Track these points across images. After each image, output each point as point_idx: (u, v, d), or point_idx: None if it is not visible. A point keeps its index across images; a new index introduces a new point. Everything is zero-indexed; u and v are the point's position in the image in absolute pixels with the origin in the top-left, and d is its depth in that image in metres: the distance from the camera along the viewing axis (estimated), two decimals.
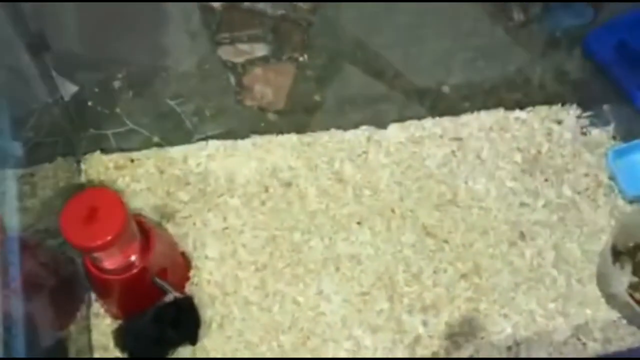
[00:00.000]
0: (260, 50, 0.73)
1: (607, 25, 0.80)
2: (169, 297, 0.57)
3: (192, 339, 0.60)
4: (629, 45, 0.79)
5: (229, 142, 0.71)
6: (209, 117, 0.71)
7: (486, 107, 0.76)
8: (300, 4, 0.71)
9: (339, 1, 0.69)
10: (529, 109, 0.76)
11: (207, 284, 0.63)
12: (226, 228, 0.66)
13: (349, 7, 0.72)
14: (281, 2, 0.68)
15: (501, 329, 0.63)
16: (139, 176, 0.68)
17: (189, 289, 0.63)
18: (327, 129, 0.73)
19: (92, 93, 0.68)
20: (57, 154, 0.66)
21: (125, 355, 0.59)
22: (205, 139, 0.71)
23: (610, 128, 0.75)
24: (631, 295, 0.63)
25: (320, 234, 0.66)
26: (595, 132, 0.75)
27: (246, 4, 0.69)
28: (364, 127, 0.73)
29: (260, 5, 0.70)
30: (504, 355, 0.62)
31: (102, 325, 0.61)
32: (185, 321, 0.59)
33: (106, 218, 0.48)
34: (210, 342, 0.60)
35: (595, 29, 0.79)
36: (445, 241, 0.67)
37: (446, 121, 0.74)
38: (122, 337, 0.59)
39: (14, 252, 0.53)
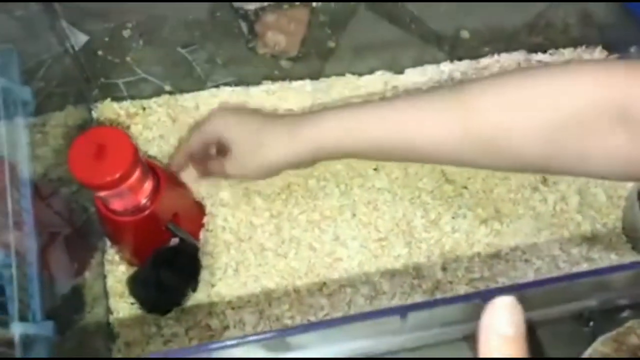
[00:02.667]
0: None
1: None
2: (173, 241, 0.56)
3: (193, 284, 0.59)
4: None
5: (241, 89, 0.69)
6: (221, 64, 0.69)
7: (507, 50, 0.74)
8: None
9: None
10: (552, 51, 0.73)
11: (221, 230, 0.62)
12: None
13: None
14: None
15: (523, 274, 0.62)
16: (151, 124, 0.67)
17: (203, 235, 0.62)
18: (342, 74, 0.71)
19: (102, 42, 0.67)
20: (68, 103, 0.65)
21: (137, 304, 0.59)
22: (217, 86, 0.70)
23: None
24: None
25: (336, 180, 0.65)
26: None
27: None
28: (379, 73, 0.71)
29: None
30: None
31: (117, 272, 0.60)
32: (182, 264, 0.58)
33: (115, 155, 0.47)
34: (225, 287, 0.60)
35: None
36: (465, 187, 0.66)
37: (465, 65, 0.72)
38: (132, 285, 0.58)
39: (26, 198, 0.53)
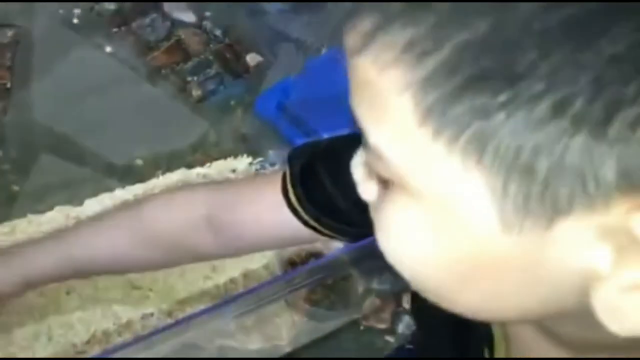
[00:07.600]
0: None
1: (270, 90, 1.02)
2: None
3: None
4: (284, 103, 1.00)
5: None
6: None
7: (171, 170, 0.90)
8: None
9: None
10: (209, 164, 0.92)
11: None
12: None
13: (38, 105, 0.81)
14: None
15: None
16: None
17: None
18: (25, 216, 0.80)
19: None
20: None
21: None
22: None
23: (277, 167, 0.94)
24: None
25: (30, 311, 0.73)
26: (267, 172, 0.94)
27: None
28: (59, 207, 0.82)
29: None
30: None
31: None
32: None
33: None
34: None
35: (261, 95, 1.02)
36: (150, 289, 0.78)
37: (137, 188, 0.86)
38: None
39: None
